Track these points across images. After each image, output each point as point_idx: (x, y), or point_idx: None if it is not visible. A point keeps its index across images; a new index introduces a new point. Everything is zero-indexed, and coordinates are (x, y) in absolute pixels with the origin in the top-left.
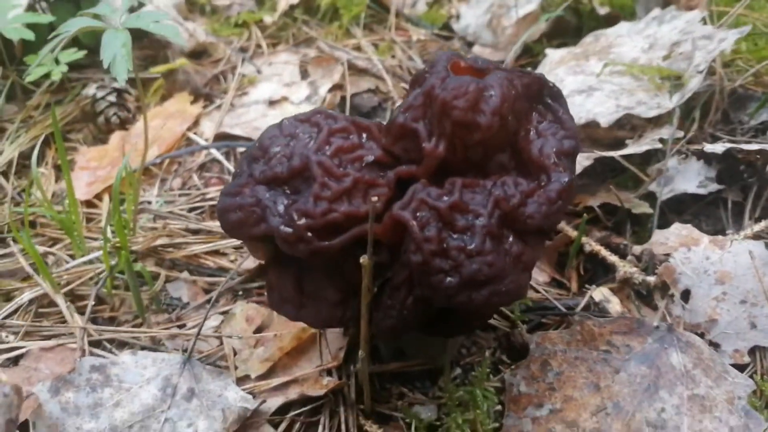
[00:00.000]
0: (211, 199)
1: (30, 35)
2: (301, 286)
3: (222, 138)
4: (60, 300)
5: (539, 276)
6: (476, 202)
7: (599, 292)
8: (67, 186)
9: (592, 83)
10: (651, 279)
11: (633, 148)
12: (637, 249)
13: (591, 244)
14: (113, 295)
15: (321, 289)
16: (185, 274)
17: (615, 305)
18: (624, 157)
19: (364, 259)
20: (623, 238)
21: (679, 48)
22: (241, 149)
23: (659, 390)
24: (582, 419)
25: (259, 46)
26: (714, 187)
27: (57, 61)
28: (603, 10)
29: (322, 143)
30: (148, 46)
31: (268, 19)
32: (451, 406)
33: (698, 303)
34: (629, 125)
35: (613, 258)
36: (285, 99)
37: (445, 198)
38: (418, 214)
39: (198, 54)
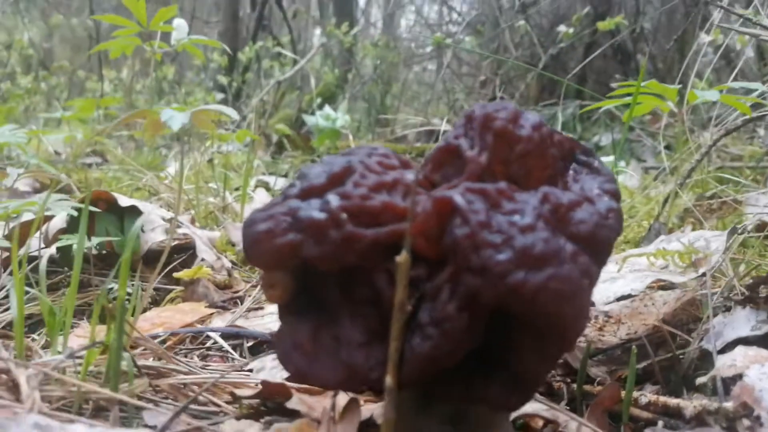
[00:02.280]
0: (211, 370)
1: (73, 212)
2: (316, 336)
3: (232, 335)
4: (20, 372)
5: None
6: (523, 197)
7: None
8: (72, 288)
9: (614, 275)
10: (728, 405)
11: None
12: (702, 379)
13: (646, 396)
14: (82, 394)
15: (342, 333)
16: (168, 403)
17: None
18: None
19: (400, 257)
20: (680, 398)
21: (693, 246)
22: (250, 344)
23: None
24: None
25: None
26: None
27: (89, 238)
28: None
29: (364, 155)
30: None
31: None
32: None
33: None
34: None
35: (675, 401)
36: None
37: (491, 185)
38: (464, 196)
39: (221, 286)
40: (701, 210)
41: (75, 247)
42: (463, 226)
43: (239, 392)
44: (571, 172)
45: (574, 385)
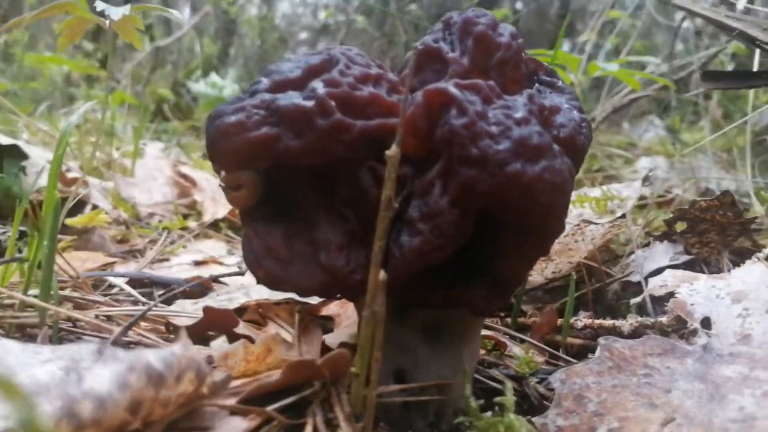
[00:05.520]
0: (123, 313)
1: None
2: (290, 241)
3: (140, 281)
4: None
5: (535, 358)
6: (511, 97)
7: None
8: None
9: None
10: (664, 319)
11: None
12: (636, 300)
13: (582, 320)
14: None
15: (319, 237)
16: (92, 334)
17: None
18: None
19: (390, 151)
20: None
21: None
22: (160, 292)
23: (727, 396)
24: (652, 430)
25: (182, 236)
26: (685, 257)
27: None
28: None
29: (343, 49)
30: None
31: (193, 224)
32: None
33: (724, 325)
34: None
35: (610, 322)
36: (214, 260)
37: (482, 81)
38: (457, 88)
39: (117, 241)
40: (588, 181)
41: None
42: (461, 116)
43: (176, 322)
44: (535, 91)
45: (508, 319)
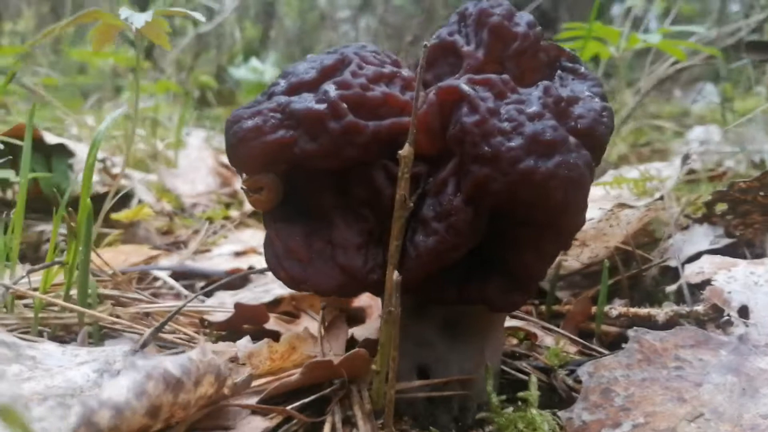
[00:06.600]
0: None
1: None
2: (310, 241)
3: (182, 274)
4: None
5: (567, 348)
6: (526, 90)
7: None
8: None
9: None
10: (699, 308)
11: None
12: (671, 288)
13: (616, 308)
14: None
15: (336, 237)
16: (131, 331)
17: None
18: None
19: (403, 150)
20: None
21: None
22: (202, 284)
23: (759, 390)
24: (680, 426)
25: (224, 226)
26: (726, 240)
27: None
28: None
29: (357, 48)
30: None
31: (234, 213)
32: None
33: (762, 314)
34: None
35: (645, 310)
36: (253, 250)
37: (496, 75)
38: (469, 84)
39: (161, 232)
40: (634, 157)
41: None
42: (472, 114)
43: (210, 318)
44: (557, 78)
45: (542, 307)
